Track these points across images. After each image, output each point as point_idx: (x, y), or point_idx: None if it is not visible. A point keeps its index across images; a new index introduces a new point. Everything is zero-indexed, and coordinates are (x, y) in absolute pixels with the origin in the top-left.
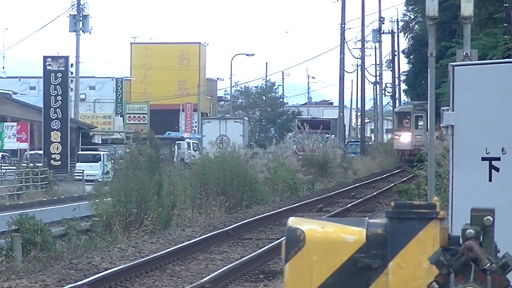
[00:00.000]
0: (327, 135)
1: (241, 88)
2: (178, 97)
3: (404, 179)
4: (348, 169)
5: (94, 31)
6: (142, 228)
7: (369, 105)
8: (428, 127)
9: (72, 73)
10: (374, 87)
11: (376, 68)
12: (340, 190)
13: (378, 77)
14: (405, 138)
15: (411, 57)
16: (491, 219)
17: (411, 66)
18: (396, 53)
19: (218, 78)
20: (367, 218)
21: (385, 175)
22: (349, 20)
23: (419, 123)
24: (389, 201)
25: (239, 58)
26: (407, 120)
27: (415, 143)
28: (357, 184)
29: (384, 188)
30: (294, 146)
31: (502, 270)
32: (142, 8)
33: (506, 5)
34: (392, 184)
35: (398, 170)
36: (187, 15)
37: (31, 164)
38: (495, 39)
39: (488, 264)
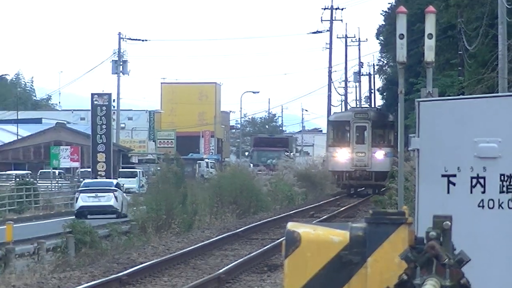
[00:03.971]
0: (286, 153)
1: (249, 119)
2: (199, 126)
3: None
4: (334, 183)
5: (132, 73)
6: (170, 230)
7: None
8: (399, 150)
9: (114, 107)
10: None
11: (356, 103)
12: (328, 200)
13: None
14: (342, 156)
15: (384, 94)
16: (449, 223)
17: (384, 101)
18: (372, 90)
19: (230, 111)
20: (350, 222)
21: (364, 188)
22: (335, 64)
23: (364, 137)
24: (367, 209)
25: (247, 94)
26: (345, 132)
27: (356, 162)
28: (342, 195)
29: (363, 199)
30: (251, 164)
31: (458, 264)
32: (170, 54)
33: (460, 52)
34: (370, 196)
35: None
36: (205, 60)
37: (81, 179)
38: (452, 79)
39: (447, 260)
